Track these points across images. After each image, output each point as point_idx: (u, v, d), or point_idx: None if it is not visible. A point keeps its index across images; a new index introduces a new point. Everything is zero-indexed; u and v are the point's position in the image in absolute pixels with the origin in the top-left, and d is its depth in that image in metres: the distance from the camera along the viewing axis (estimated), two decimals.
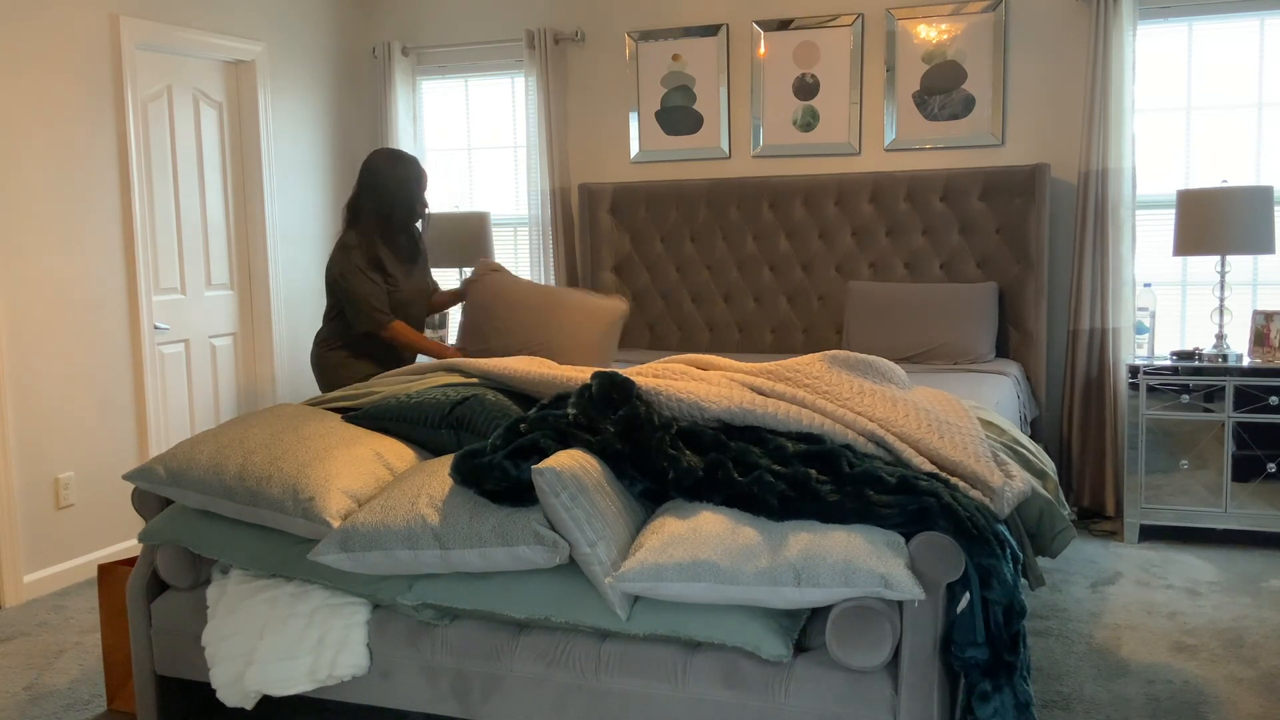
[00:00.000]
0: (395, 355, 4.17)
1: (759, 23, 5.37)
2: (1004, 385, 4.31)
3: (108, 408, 4.59)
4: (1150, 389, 4.54)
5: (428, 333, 5.40)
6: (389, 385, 3.47)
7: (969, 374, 4.48)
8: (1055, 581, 4.11)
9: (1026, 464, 3.08)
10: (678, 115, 5.57)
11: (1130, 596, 3.97)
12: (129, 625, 3.07)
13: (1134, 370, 4.56)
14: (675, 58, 5.54)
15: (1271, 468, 4.42)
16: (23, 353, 4.24)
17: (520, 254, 6.06)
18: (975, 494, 2.66)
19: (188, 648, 2.95)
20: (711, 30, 5.45)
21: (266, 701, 2.96)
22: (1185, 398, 4.50)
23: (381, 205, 4.06)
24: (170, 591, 3.02)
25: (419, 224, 4.25)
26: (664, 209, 5.46)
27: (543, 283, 5.68)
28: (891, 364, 3.32)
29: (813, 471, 2.61)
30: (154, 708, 3.03)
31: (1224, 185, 4.53)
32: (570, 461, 2.56)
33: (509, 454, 2.63)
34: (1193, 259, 4.90)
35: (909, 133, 5.19)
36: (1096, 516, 4.91)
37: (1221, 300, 4.58)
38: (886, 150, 5.24)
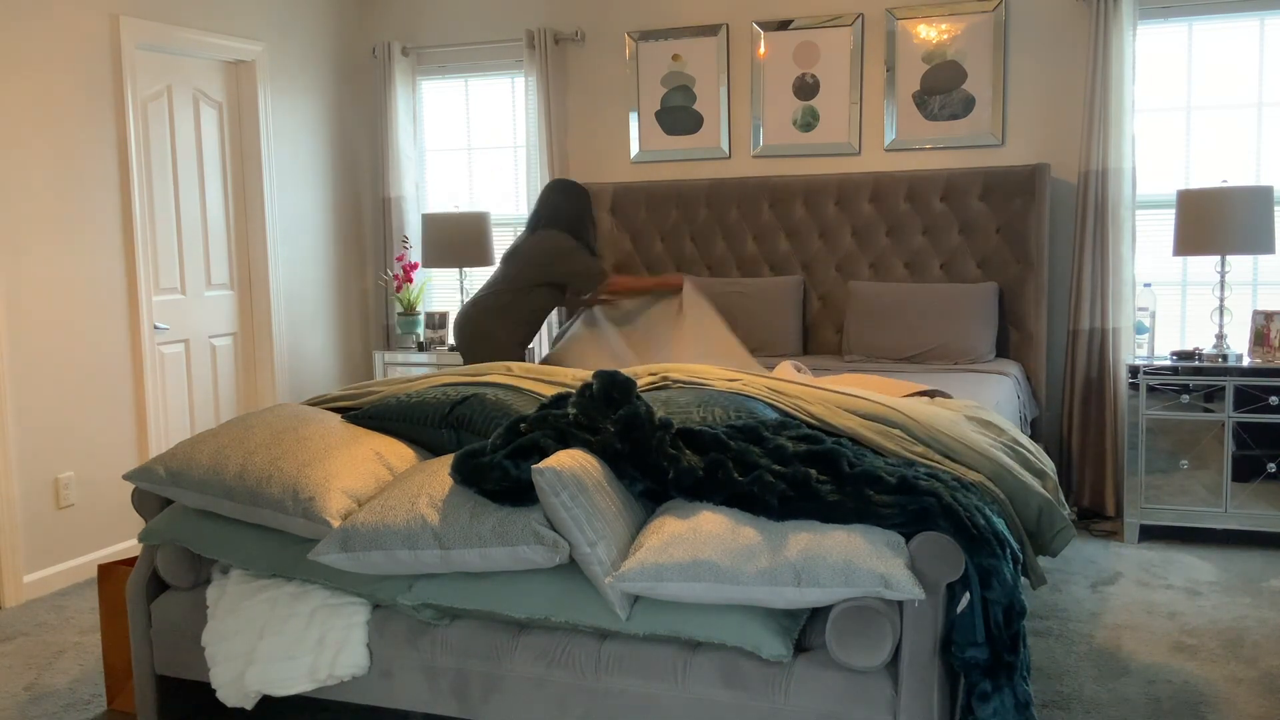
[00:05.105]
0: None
1: (759, 23, 5.37)
2: (1004, 385, 4.31)
3: (108, 408, 4.59)
4: (1150, 389, 4.54)
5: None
6: (389, 385, 3.48)
7: (969, 374, 4.48)
8: (1055, 581, 4.11)
9: (1026, 464, 3.09)
10: (678, 115, 5.57)
11: (1130, 596, 3.97)
12: (129, 625, 3.07)
13: (1134, 370, 4.56)
14: (675, 58, 5.54)
15: (1271, 468, 4.42)
16: (23, 353, 4.23)
17: None
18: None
19: (188, 648, 2.94)
20: (711, 30, 5.45)
21: (266, 701, 2.96)
22: (1185, 398, 4.50)
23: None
24: (170, 591, 3.02)
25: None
26: (664, 209, 5.46)
27: None
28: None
29: (813, 471, 2.61)
30: (154, 708, 3.03)
31: (1224, 185, 4.53)
32: (570, 461, 2.56)
33: (509, 454, 2.63)
34: (1193, 259, 4.90)
35: (909, 133, 5.19)
36: (1096, 516, 4.91)
37: (1221, 300, 4.58)
38: (886, 150, 5.24)
